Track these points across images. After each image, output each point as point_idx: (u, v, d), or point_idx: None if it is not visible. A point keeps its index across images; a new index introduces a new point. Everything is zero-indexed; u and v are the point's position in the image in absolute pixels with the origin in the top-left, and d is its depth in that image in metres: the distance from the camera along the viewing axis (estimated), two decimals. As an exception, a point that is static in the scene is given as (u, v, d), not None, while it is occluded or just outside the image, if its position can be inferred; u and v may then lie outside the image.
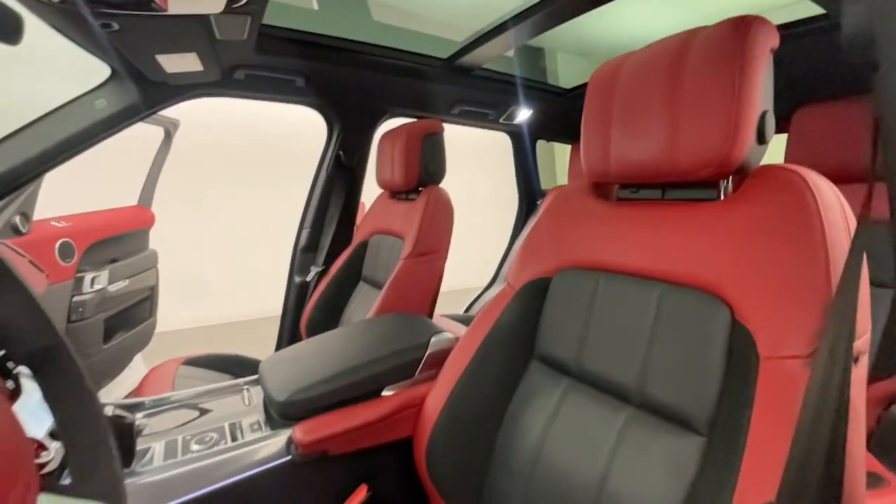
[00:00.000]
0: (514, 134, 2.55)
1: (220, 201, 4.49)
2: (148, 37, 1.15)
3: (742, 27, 0.67)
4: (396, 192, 1.82)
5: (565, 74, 2.56)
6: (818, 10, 1.41)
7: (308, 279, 1.95)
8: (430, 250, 1.56)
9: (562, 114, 2.41)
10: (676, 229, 0.77)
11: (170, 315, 3.18)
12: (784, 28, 1.48)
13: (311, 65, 1.63)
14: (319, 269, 1.94)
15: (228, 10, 1.10)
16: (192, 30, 1.17)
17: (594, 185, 0.96)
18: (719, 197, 0.76)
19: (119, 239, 2.34)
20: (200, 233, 4.42)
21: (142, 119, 1.57)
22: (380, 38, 1.79)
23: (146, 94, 1.51)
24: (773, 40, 0.68)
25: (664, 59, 0.75)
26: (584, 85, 2.28)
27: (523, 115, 2.32)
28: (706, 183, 0.76)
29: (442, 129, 1.70)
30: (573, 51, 2.53)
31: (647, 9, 2.14)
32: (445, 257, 1.62)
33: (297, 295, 2.00)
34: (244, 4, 1.08)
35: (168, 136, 2.63)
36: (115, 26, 1.06)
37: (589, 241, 0.89)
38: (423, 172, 1.66)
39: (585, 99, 0.90)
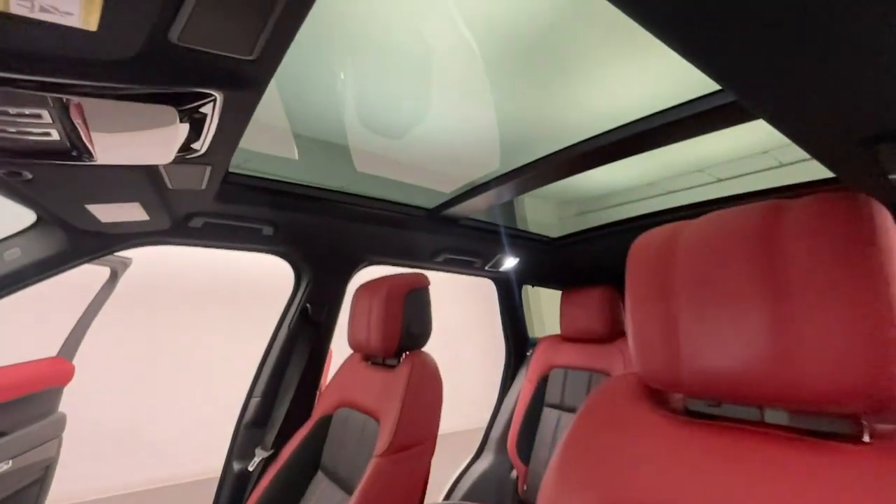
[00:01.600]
0: (500, 280, 2.39)
1: (168, 342, 4.02)
2: (74, 186, 0.93)
3: (863, 207, 0.50)
4: (372, 357, 1.52)
5: (534, 221, 2.53)
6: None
7: (250, 468, 1.51)
8: (415, 442, 1.21)
9: (549, 262, 2.29)
10: (784, 476, 0.50)
11: (97, 478, 2.50)
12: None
13: (281, 213, 1.45)
14: (267, 453, 1.52)
15: (182, 160, 0.92)
16: (135, 179, 0.97)
17: (649, 386, 0.72)
18: (861, 437, 0.51)
19: (15, 404, 1.87)
20: (141, 378, 3.84)
21: (72, 268, 1.30)
22: (360, 187, 1.68)
23: (76, 243, 1.26)
24: None
25: (748, 238, 0.56)
26: (571, 235, 2.23)
27: (509, 262, 2.18)
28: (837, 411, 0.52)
29: (428, 283, 1.49)
30: (538, 195, 2.51)
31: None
32: (433, 448, 1.26)
33: (233, 488, 1.53)
34: (202, 155, 0.91)
35: (114, 277, 2.33)
36: (28, 175, 0.85)
37: (642, 474, 0.61)
38: (405, 335, 1.39)
39: (628, 276, 0.71)
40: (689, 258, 0.63)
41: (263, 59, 0.61)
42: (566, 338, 2.13)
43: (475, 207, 1.68)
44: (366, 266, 1.86)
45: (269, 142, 1.46)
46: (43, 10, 0.42)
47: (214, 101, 0.67)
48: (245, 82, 0.65)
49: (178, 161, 0.91)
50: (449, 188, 1.83)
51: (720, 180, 1.84)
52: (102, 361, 3.48)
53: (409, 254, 1.90)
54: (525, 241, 2.11)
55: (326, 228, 1.59)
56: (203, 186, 1.12)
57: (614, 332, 1.96)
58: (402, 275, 1.46)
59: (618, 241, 2.04)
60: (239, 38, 0.56)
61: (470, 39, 0.96)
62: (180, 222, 1.33)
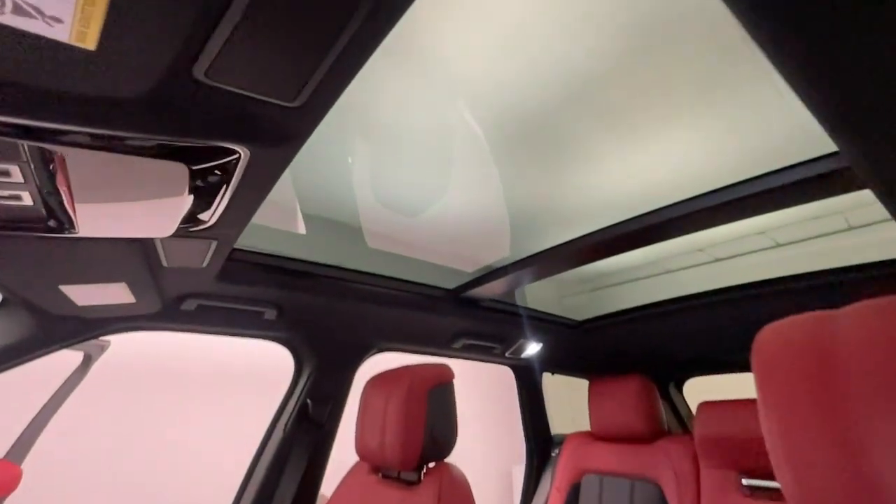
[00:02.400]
0: (521, 368, 2.17)
1: (143, 434, 3.58)
2: (47, 263, 0.77)
3: None
4: (385, 469, 1.26)
5: (534, 298, 2.36)
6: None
7: None
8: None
9: (574, 347, 2.09)
10: None
11: None
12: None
13: (287, 294, 1.28)
14: None
15: (184, 234, 0.77)
16: (124, 256, 0.81)
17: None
18: None
19: (-62, 527, 1.52)
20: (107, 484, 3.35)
21: (40, 357, 1.08)
22: (371, 265, 1.53)
23: (47, 328, 1.06)
24: None
25: None
26: (599, 318, 2.06)
27: (532, 348, 1.98)
28: None
29: (453, 377, 1.28)
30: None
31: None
32: None
33: None
34: (209, 228, 0.76)
35: (87, 363, 2.06)
36: (-13, 250, 0.68)
37: None
38: (428, 442, 1.15)
39: (760, 379, 0.54)
40: (864, 357, 0.47)
41: (309, 107, 0.48)
42: (598, 436, 1.87)
43: (496, 290, 1.53)
44: (375, 353, 1.65)
45: (273, 214, 1.33)
46: (18, 10, 0.29)
47: (238, 158, 0.54)
48: (281, 136, 0.51)
49: (179, 234, 0.76)
50: (470, 268, 1.69)
51: (718, 260, 1.74)
52: (61, 459, 3.04)
53: (424, 339, 1.70)
54: (548, 325, 1.93)
55: (335, 310, 1.41)
56: (204, 264, 0.96)
57: (656, 431, 1.72)
58: (423, 366, 1.26)
59: (651, 327, 1.87)
60: (284, 79, 0.43)
61: (478, 124, 0.89)
62: (171, 305, 1.15)
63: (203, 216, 0.71)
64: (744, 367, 1.93)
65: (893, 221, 0.73)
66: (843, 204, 1.10)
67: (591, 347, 2.05)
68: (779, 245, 1.44)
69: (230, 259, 1.06)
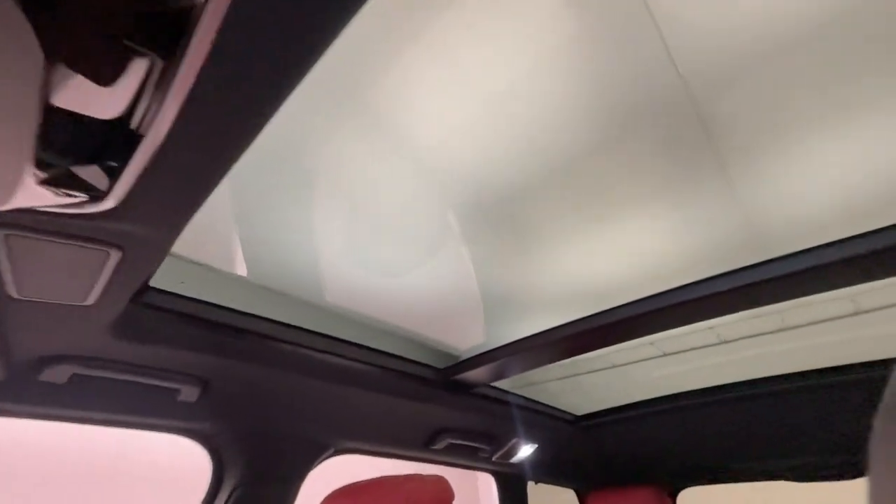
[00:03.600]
0: (506, 476, 1.75)
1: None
2: None
3: None
4: None
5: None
6: None
7: None
8: None
9: (566, 449, 1.73)
10: None
11: None
12: None
13: (218, 363, 0.88)
14: None
15: (54, 227, 0.43)
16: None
17: None
18: None
19: None
20: None
21: None
22: (333, 328, 1.16)
23: None
24: None
25: None
26: (601, 413, 1.77)
27: (525, 451, 1.60)
28: None
29: (453, 498, 0.90)
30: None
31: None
32: None
33: None
34: (104, 216, 0.43)
35: None
36: None
37: None
38: None
39: None
40: None
41: None
42: None
43: (492, 374, 1.22)
44: (331, 456, 1.22)
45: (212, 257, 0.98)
46: None
47: None
48: None
49: (44, 227, 0.42)
50: (460, 346, 1.36)
51: (666, 354, 1.60)
52: None
53: (398, 437, 1.30)
54: (545, 419, 1.59)
55: (283, 389, 1.01)
56: (90, 300, 0.59)
57: None
58: (414, 479, 0.87)
59: (662, 424, 1.59)
60: None
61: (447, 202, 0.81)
62: (21, 373, 0.72)
63: (95, 180, 0.38)
64: (770, 475, 1.66)
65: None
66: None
67: (590, 449, 1.70)
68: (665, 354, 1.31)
69: (136, 299, 0.69)
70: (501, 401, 1.43)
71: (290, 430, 1.10)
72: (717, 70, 0.60)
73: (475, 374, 1.21)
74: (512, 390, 1.52)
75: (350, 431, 1.20)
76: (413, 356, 1.22)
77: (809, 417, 1.41)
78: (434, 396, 1.23)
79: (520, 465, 1.67)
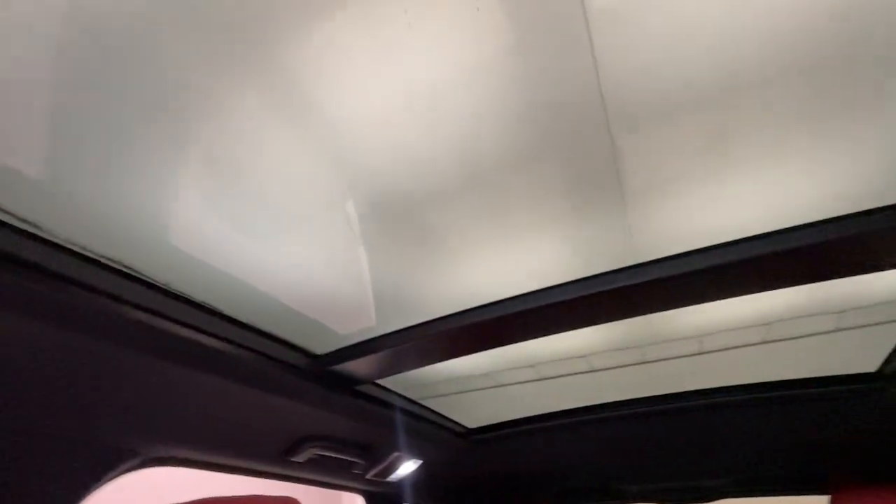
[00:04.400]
0: (380, 497, 1.47)
1: None
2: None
3: None
4: None
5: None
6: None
7: None
8: None
9: (453, 466, 1.53)
10: None
11: None
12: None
13: None
14: None
15: None
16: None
17: None
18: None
19: None
20: None
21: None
22: (161, 272, 0.82)
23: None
24: None
25: None
26: (493, 427, 1.59)
27: (406, 467, 1.36)
28: None
29: None
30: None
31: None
32: None
33: None
34: None
35: None
36: None
37: None
38: None
39: None
40: None
41: None
42: None
43: (377, 368, 0.97)
44: (135, 468, 0.85)
45: None
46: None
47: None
48: None
49: None
50: (340, 330, 1.09)
51: (544, 378, 1.64)
52: None
53: (243, 443, 0.97)
54: (431, 430, 1.36)
55: (55, 363, 0.65)
56: None
57: None
58: (253, 501, 0.57)
59: (550, 442, 1.48)
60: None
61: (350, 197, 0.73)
62: None
63: None
64: (647, 496, 1.64)
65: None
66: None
67: (478, 467, 1.52)
68: (543, 378, 1.35)
69: None
70: (387, 404, 1.18)
71: (66, 426, 0.72)
72: (643, 110, 0.61)
73: (357, 366, 0.95)
74: (400, 395, 1.28)
75: (168, 432, 0.84)
76: (280, 334, 0.92)
77: (689, 439, 1.41)
78: (303, 391, 0.94)
79: (398, 484, 1.41)
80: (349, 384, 1.02)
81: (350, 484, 1.31)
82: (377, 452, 1.24)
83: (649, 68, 0.56)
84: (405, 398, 1.25)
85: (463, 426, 1.49)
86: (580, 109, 0.61)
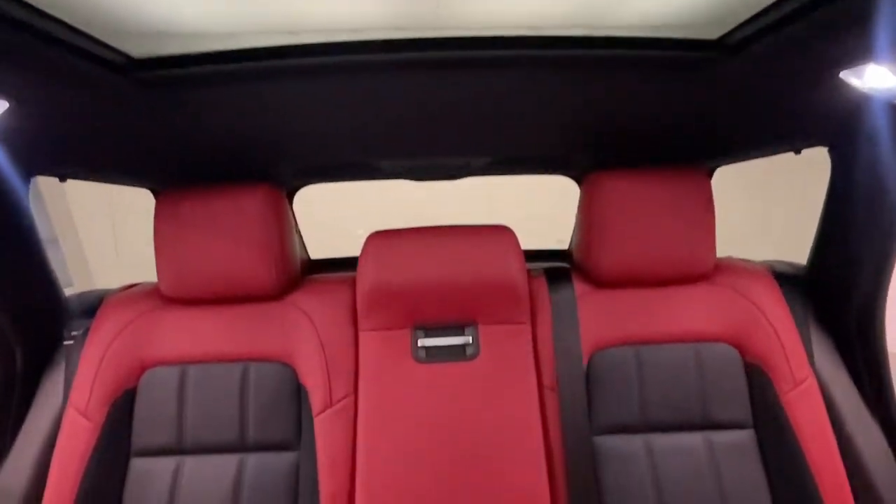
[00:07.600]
0: None
1: None
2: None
3: None
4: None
5: None
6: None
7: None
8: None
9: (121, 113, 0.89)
10: None
11: None
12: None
13: None
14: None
15: None
16: None
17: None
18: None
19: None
20: None
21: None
22: None
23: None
24: None
25: None
26: (176, 59, 0.73)
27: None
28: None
29: None
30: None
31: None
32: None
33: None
34: None
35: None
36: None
37: None
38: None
39: None
40: None
41: None
42: (175, 297, 1.06)
43: None
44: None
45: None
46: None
47: None
48: None
49: None
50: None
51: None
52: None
53: None
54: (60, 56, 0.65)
55: None
56: None
57: (291, 280, 1.12)
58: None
59: (279, 92, 0.89)
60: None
61: None
62: None
63: None
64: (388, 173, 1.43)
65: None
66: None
67: (152, 119, 0.95)
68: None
69: None
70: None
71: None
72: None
73: None
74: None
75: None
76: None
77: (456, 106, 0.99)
78: None
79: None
80: None
81: None
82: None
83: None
84: None
85: (124, 53, 0.73)
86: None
